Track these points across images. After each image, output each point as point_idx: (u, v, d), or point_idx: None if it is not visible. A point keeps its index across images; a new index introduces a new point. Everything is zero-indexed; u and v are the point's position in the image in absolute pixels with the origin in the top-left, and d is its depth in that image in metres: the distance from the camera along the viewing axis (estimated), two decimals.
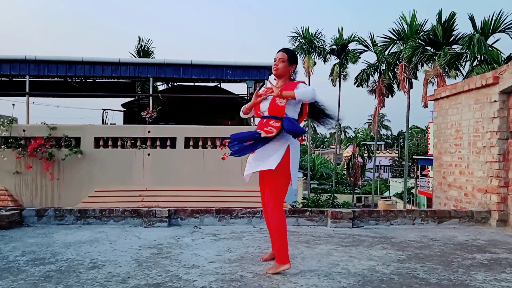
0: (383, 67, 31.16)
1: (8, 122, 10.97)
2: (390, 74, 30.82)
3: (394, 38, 27.73)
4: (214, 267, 3.26)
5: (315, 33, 34.34)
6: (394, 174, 53.93)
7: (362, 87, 33.18)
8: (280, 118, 3.17)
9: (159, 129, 11.51)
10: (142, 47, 19.22)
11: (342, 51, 34.17)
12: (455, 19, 24.03)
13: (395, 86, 31.40)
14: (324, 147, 73.78)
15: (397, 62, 28.46)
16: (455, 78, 23.12)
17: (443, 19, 24.29)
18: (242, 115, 3.56)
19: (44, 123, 11.00)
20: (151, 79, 12.42)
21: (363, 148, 41.29)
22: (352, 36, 33.45)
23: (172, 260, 3.48)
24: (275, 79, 3.45)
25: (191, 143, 11.28)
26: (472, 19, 21.99)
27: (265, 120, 3.23)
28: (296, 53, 3.49)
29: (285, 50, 3.40)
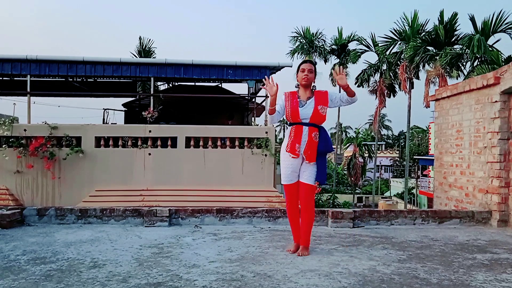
0: (384, 67, 31.12)
1: (10, 121, 10.99)
2: (391, 74, 30.77)
3: (396, 38, 27.68)
4: (214, 267, 3.27)
5: (316, 33, 34.35)
6: (395, 174, 53.94)
7: (363, 87, 33.14)
8: (317, 127, 3.68)
9: (160, 129, 11.52)
10: (143, 47, 19.24)
11: (342, 51, 34.15)
12: (457, 19, 24.01)
13: (396, 86, 31.38)
14: None
15: (398, 62, 28.43)
16: (457, 78, 23.09)
17: (445, 20, 24.27)
18: (269, 118, 3.78)
19: (45, 123, 11.02)
20: (152, 79, 12.43)
21: (363, 148, 41.25)
22: (352, 36, 33.43)
23: (172, 260, 3.49)
24: (297, 88, 3.80)
25: (192, 142, 11.29)
26: (472, 19, 21.95)
27: (307, 128, 3.64)
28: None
29: (311, 61, 3.88)
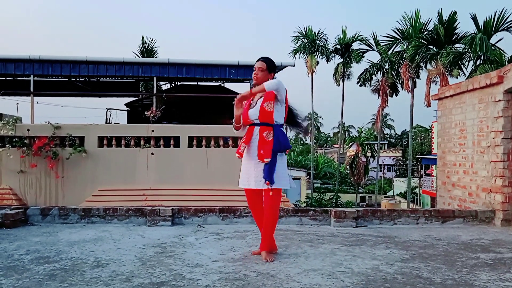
0: (387, 66, 31.10)
1: (13, 121, 11.02)
2: (393, 73, 30.75)
3: (398, 37, 27.65)
4: (217, 266, 3.27)
5: (318, 33, 34.33)
6: (398, 173, 53.90)
7: (365, 86, 33.17)
8: (271, 125, 3.47)
9: (162, 129, 11.53)
10: (146, 47, 19.24)
11: (346, 50, 34.12)
12: (456, 18, 23.95)
13: (399, 86, 31.35)
14: (328, 146, 73.77)
15: (401, 61, 28.40)
16: (457, 78, 23.06)
17: (444, 19, 24.22)
18: (236, 132, 3.72)
19: (48, 123, 11.04)
20: (154, 78, 12.44)
21: (366, 148, 41.26)
22: (356, 35, 33.39)
23: (175, 259, 3.49)
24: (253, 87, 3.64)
25: (194, 142, 11.29)
26: (474, 18, 21.87)
27: (258, 127, 3.48)
28: (273, 61, 3.70)
29: (263, 59, 3.62)
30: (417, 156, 41.45)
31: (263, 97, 3.51)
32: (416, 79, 28.16)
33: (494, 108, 5.45)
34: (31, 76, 11.97)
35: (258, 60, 3.60)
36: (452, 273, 3.17)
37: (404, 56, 27.53)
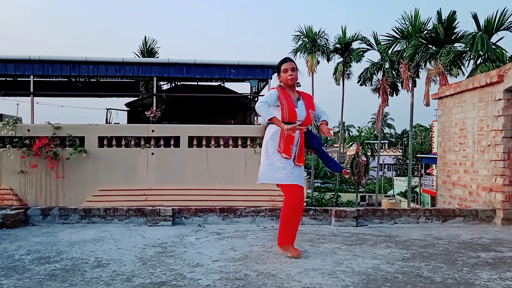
0: (387, 65, 31.08)
1: (13, 122, 11.03)
2: (393, 72, 30.73)
3: (398, 36, 27.62)
4: (218, 266, 3.27)
5: (319, 32, 34.30)
6: (398, 172, 53.90)
7: (365, 85, 33.13)
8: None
9: (162, 129, 11.54)
10: (147, 47, 19.22)
11: (346, 50, 34.10)
12: (455, 17, 23.93)
13: (399, 85, 31.33)
14: (328, 145, 73.73)
15: (401, 60, 28.38)
16: (456, 77, 23.05)
17: (444, 18, 24.21)
18: (265, 119, 3.51)
19: (49, 123, 11.06)
20: (154, 78, 12.45)
21: (366, 147, 41.24)
22: (356, 35, 33.36)
23: (176, 259, 3.49)
24: (281, 86, 3.66)
25: (194, 142, 11.30)
26: (475, 17, 21.86)
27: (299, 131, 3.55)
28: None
29: (291, 59, 3.73)
30: (418, 155, 41.47)
31: (302, 100, 3.64)
32: (416, 79, 28.14)
33: (494, 107, 5.44)
34: (31, 76, 11.99)
35: (288, 61, 3.65)
36: (452, 272, 3.17)
37: (404, 55, 27.51)
